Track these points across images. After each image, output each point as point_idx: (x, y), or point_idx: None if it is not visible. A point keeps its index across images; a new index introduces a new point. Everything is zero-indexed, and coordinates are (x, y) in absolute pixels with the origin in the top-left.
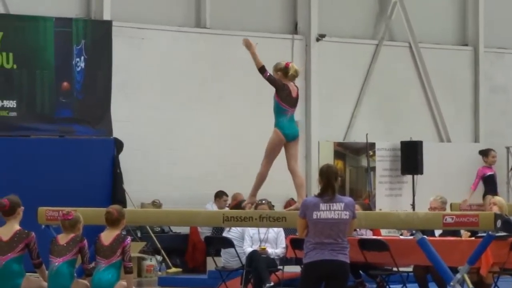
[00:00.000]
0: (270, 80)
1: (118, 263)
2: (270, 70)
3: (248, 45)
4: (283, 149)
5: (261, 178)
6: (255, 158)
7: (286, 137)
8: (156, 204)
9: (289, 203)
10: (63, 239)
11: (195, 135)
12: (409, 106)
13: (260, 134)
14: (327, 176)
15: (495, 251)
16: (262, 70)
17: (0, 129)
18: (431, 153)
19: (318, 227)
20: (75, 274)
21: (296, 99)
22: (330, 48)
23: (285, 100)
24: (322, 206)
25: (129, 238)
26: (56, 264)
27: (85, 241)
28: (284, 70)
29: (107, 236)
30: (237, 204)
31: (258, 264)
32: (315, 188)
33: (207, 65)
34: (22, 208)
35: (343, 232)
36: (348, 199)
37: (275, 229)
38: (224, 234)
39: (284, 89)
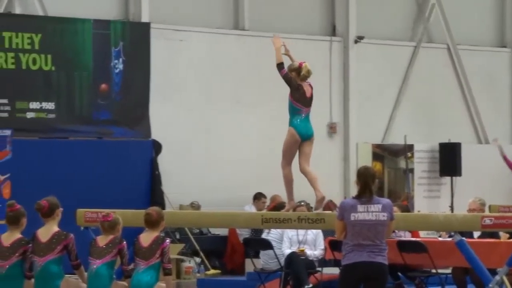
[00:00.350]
0: (286, 78)
1: (157, 265)
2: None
3: (275, 41)
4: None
5: (288, 181)
6: (294, 159)
7: (301, 137)
8: (194, 206)
9: (327, 205)
10: (102, 240)
11: (233, 137)
12: (448, 107)
13: None
14: (365, 177)
15: None
16: (280, 66)
17: (39, 131)
18: (469, 155)
19: (356, 228)
20: (114, 276)
21: (311, 99)
22: (368, 50)
23: (299, 100)
24: (360, 207)
25: (168, 240)
26: (96, 265)
27: (124, 243)
28: (297, 70)
29: (146, 238)
30: (276, 206)
31: (296, 266)
32: (353, 190)
33: (245, 67)
34: (61, 209)
35: (381, 233)
36: (385, 200)
37: (314, 230)
38: (263, 236)
39: (298, 89)
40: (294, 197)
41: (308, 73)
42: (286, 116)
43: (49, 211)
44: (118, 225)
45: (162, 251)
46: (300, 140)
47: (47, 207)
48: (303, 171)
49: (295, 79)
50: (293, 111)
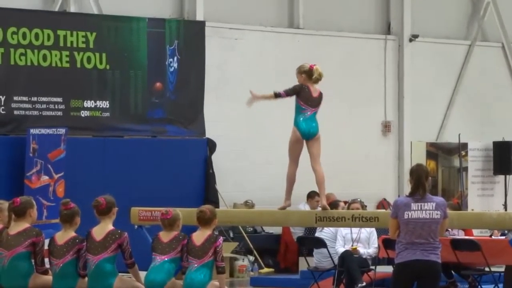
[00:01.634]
0: (289, 93)
1: (210, 263)
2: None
3: (252, 101)
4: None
5: (290, 180)
6: (348, 158)
7: (303, 136)
8: (248, 204)
9: (381, 203)
10: (165, 237)
11: (287, 135)
12: (502, 106)
13: (354, 134)
14: (418, 175)
15: None
16: (277, 96)
17: (94, 130)
18: None
19: (409, 227)
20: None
21: (318, 99)
22: (423, 49)
23: (304, 99)
24: (413, 205)
25: (221, 238)
26: (159, 260)
27: (187, 239)
28: (308, 73)
29: (199, 236)
30: (330, 204)
31: (350, 264)
32: (407, 189)
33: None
34: (117, 208)
35: (434, 232)
36: (439, 198)
37: (368, 229)
38: (317, 234)
39: (302, 89)
40: (291, 197)
41: (320, 76)
42: (338, 114)
43: (106, 209)
44: (178, 221)
45: (215, 250)
46: (302, 139)
47: (105, 205)
48: (313, 170)
49: (305, 80)
50: (298, 110)
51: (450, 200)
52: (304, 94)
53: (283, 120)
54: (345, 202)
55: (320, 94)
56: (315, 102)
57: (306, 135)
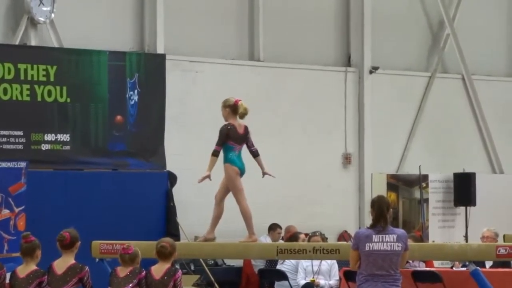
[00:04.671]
0: (222, 143)
1: None
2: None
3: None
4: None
5: (219, 215)
6: (308, 190)
7: (241, 171)
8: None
9: (342, 235)
10: (122, 271)
11: (248, 168)
12: (462, 137)
13: (314, 166)
14: (379, 207)
15: None
16: (216, 154)
17: (54, 163)
18: (484, 185)
19: (370, 258)
20: None
21: (244, 135)
22: (383, 80)
23: (232, 139)
24: (375, 237)
25: (180, 271)
26: None
27: (144, 272)
28: (233, 107)
29: (158, 270)
30: (291, 237)
31: None
32: (368, 221)
33: (261, 98)
34: (80, 242)
35: (395, 264)
36: (400, 230)
37: (329, 261)
38: (278, 266)
39: (229, 131)
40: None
41: (246, 110)
42: (299, 146)
43: (69, 244)
44: (138, 258)
45: (174, 283)
46: (239, 172)
47: (69, 239)
48: (241, 205)
49: (229, 115)
50: (227, 149)
51: (411, 232)
52: (232, 133)
53: (245, 152)
54: (306, 235)
55: (246, 129)
56: (242, 138)
57: (242, 171)
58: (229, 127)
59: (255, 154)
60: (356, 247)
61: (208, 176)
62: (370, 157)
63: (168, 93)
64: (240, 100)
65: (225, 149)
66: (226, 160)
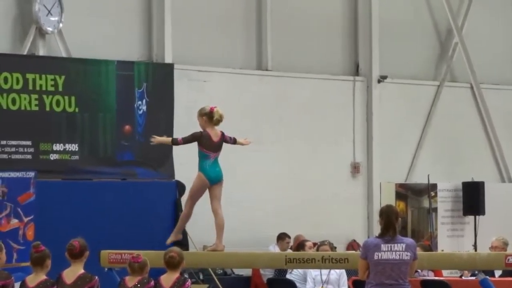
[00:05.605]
0: (187, 141)
1: None
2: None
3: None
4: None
5: (186, 219)
6: (317, 199)
7: (210, 181)
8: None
9: (351, 244)
10: (131, 281)
11: (256, 177)
12: (471, 146)
13: (322, 176)
14: (388, 216)
15: None
16: (174, 142)
17: (63, 173)
18: (493, 194)
19: (379, 268)
20: None
21: (219, 143)
22: (391, 89)
23: (205, 146)
24: (384, 247)
25: (189, 281)
26: None
27: (152, 282)
28: (208, 115)
29: (167, 280)
30: (300, 246)
31: None
32: (377, 230)
33: (268, 107)
34: (88, 252)
35: (404, 273)
36: (409, 240)
37: (337, 270)
38: (287, 276)
39: (202, 137)
40: (181, 232)
41: (221, 117)
42: (307, 155)
43: (79, 253)
44: (147, 267)
45: None
46: (208, 184)
47: (78, 248)
48: (213, 211)
49: (206, 123)
50: (202, 157)
51: (420, 241)
52: (205, 141)
53: (251, 161)
54: (315, 244)
55: (222, 137)
56: (217, 146)
57: (213, 180)
58: (203, 133)
59: (234, 142)
60: (364, 256)
61: (156, 141)
62: (379, 166)
63: (176, 102)
64: (215, 107)
65: (200, 156)
66: (200, 168)
